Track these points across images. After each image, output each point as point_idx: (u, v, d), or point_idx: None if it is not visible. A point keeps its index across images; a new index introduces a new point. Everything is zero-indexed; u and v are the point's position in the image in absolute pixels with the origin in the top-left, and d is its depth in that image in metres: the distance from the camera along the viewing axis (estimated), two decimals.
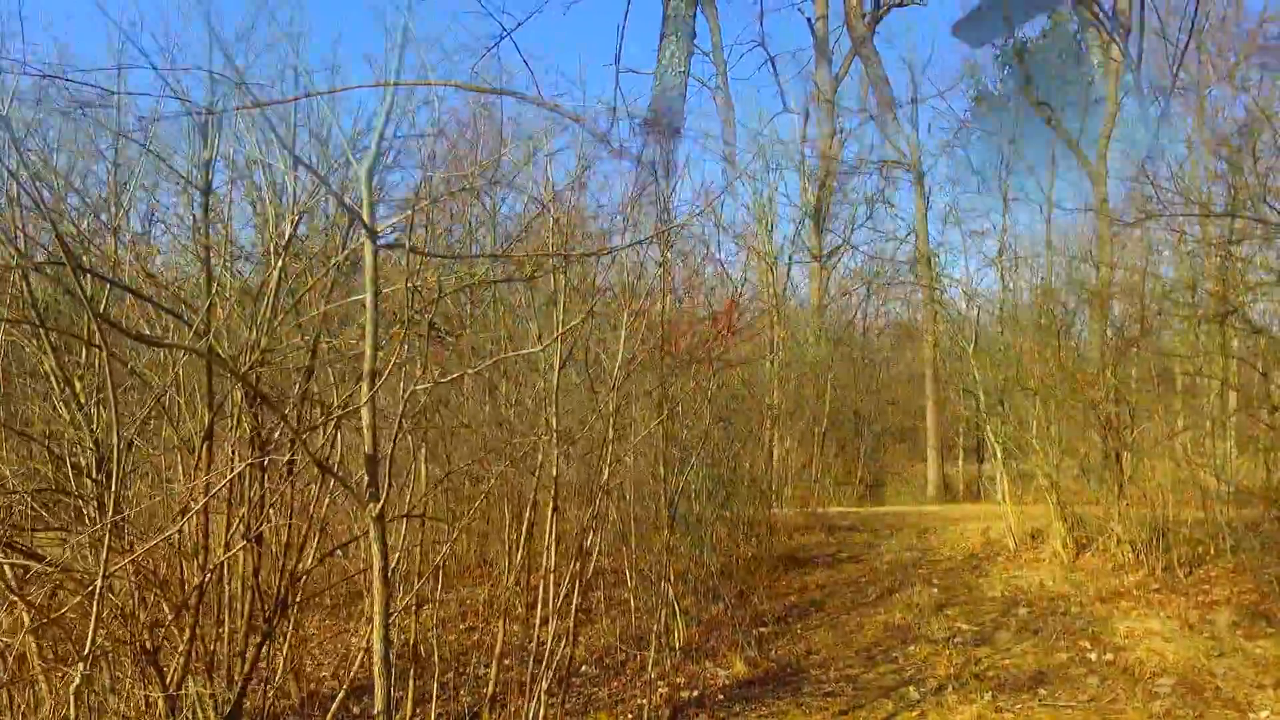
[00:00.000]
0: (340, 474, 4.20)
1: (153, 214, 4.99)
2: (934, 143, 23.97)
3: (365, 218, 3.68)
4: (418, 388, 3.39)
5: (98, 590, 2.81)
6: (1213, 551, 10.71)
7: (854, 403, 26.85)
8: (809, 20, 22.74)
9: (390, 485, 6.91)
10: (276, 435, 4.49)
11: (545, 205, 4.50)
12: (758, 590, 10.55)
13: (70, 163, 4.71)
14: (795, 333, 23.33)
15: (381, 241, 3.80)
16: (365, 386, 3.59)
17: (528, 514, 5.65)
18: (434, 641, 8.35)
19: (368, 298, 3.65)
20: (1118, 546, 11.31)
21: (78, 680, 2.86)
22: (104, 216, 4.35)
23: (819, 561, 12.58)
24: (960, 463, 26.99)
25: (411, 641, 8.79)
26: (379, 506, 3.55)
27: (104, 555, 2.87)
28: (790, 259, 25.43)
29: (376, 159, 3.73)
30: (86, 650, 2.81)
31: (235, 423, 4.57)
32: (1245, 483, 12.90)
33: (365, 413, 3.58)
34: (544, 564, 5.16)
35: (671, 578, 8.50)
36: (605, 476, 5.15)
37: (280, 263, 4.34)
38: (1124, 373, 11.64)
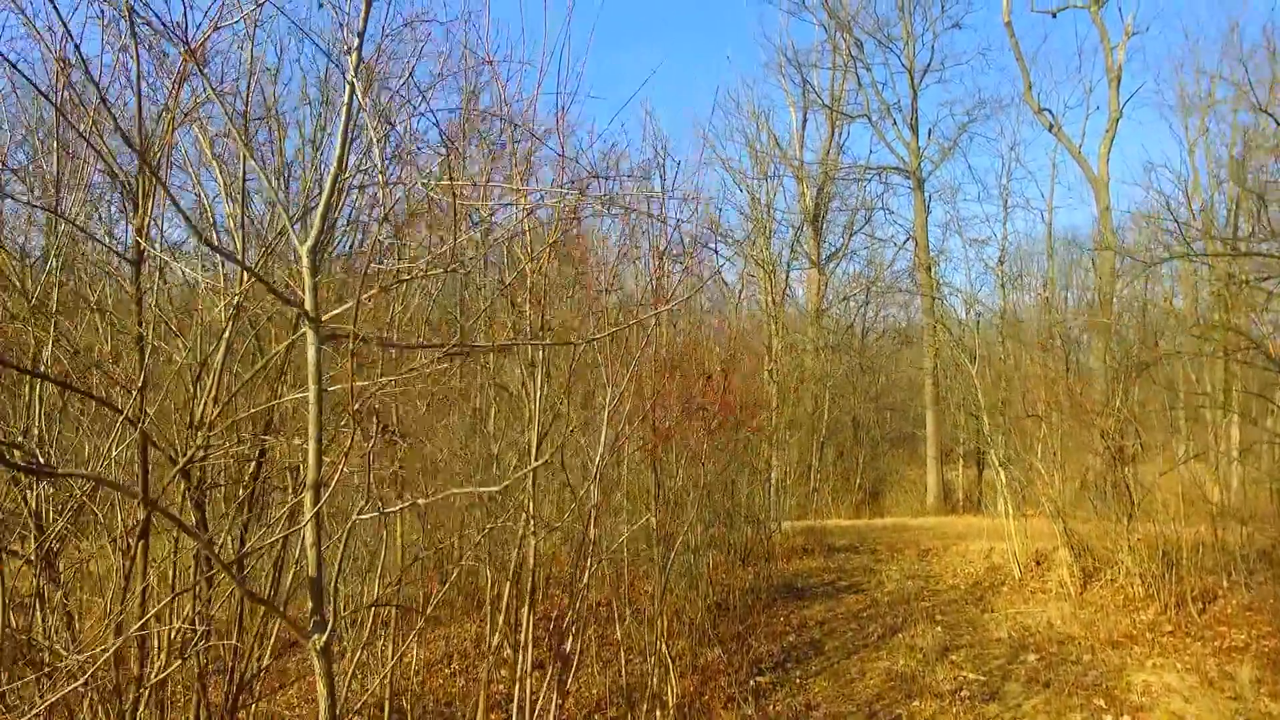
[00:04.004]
0: (282, 600, 3.78)
1: (77, 292, 4.53)
2: (935, 148, 23.48)
3: (307, 305, 3.25)
4: (362, 517, 2.98)
5: None
6: (1225, 584, 10.35)
7: (853, 409, 26.49)
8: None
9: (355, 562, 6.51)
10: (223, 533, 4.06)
11: (504, 287, 4.06)
12: (756, 630, 10.15)
13: None
14: (794, 342, 22.93)
15: (327, 332, 3.36)
16: (308, 501, 3.16)
17: (508, 585, 5.22)
18: (415, 693, 7.94)
19: (310, 396, 3.22)
20: (1126, 578, 10.95)
21: None
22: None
23: (818, 592, 12.18)
24: (960, 467, 26.62)
25: (390, 694, 8.39)
26: (324, 638, 3.12)
27: None
28: (789, 265, 25.01)
29: (321, 236, 3.29)
30: None
31: (180, 509, 4.14)
32: (1254, 508, 12.57)
33: (308, 531, 3.14)
34: (520, 662, 4.72)
35: (665, 629, 8.09)
36: (585, 579, 4.72)
37: (224, 341, 3.91)
38: (1131, 400, 11.28)
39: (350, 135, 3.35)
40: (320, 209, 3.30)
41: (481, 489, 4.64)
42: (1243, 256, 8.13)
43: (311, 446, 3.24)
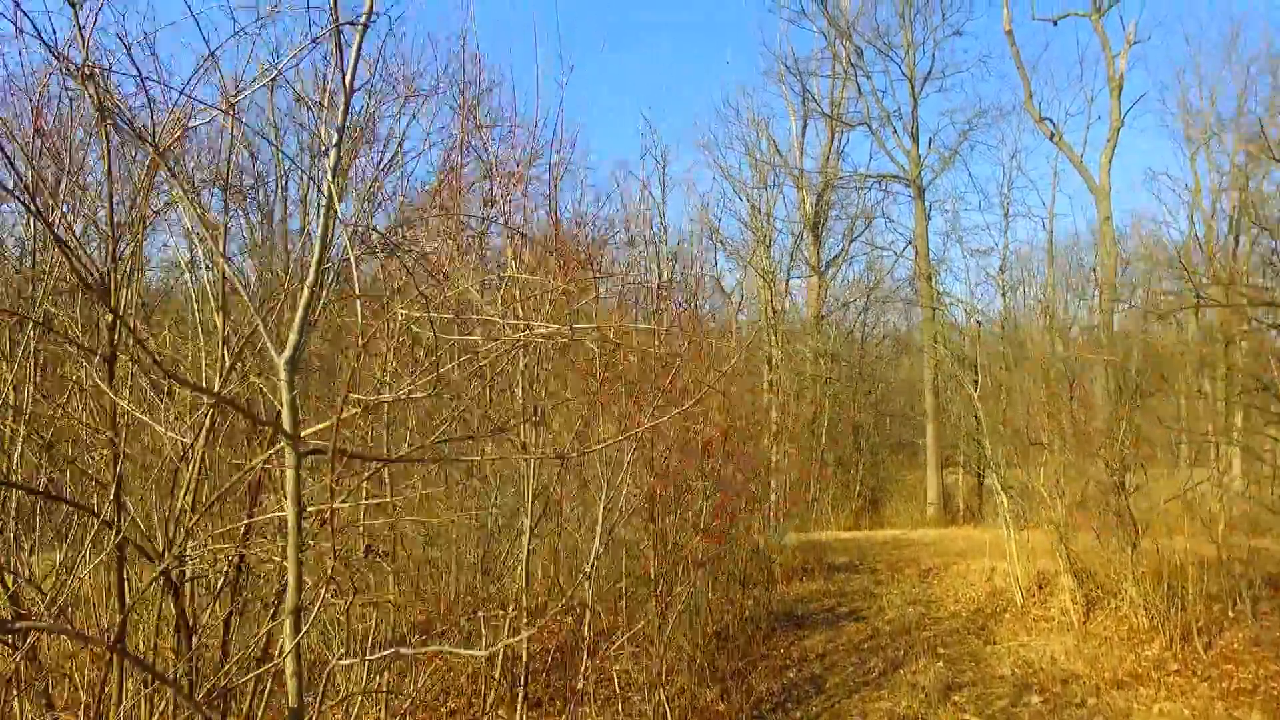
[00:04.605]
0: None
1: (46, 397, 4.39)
2: (935, 156, 23.30)
3: (285, 422, 3.10)
4: (339, 664, 2.85)
5: None
6: (1231, 613, 10.24)
7: (852, 415, 26.36)
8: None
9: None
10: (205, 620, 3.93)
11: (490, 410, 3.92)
12: (757, 666, 10.03)
13: None
14: (794, 352, 22.84)
15: (306, 449, 3.22)
16: (288, 629, 3.02)
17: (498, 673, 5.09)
18: None
19: (289, 519, 3.08)
20: (1130, 607, 10.83)
21: None
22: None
23: (818, 620, 12.06)
24: (960, 473, 26.47)
25: None
26: None
27: None
28: (789, 272, 24.87)
29: (299, 346, 3.13)
30: None
31: (157, 616, 4.00)
32: (1256, 523, 12.46)
33: (289, 663, 3.01)
34: None
35: (664, 671, 7.97)
36: (580, 685, 4.62)
37: (202, 432, 3.77)
38: (1134, 428, 11.16)
39: (329, 241, 3.20)
40: (297, 321, 3.14)
41: (466, 653, 4.52)
42: (1255, 306, 8.01)
43: (291, 570, 3.09)
